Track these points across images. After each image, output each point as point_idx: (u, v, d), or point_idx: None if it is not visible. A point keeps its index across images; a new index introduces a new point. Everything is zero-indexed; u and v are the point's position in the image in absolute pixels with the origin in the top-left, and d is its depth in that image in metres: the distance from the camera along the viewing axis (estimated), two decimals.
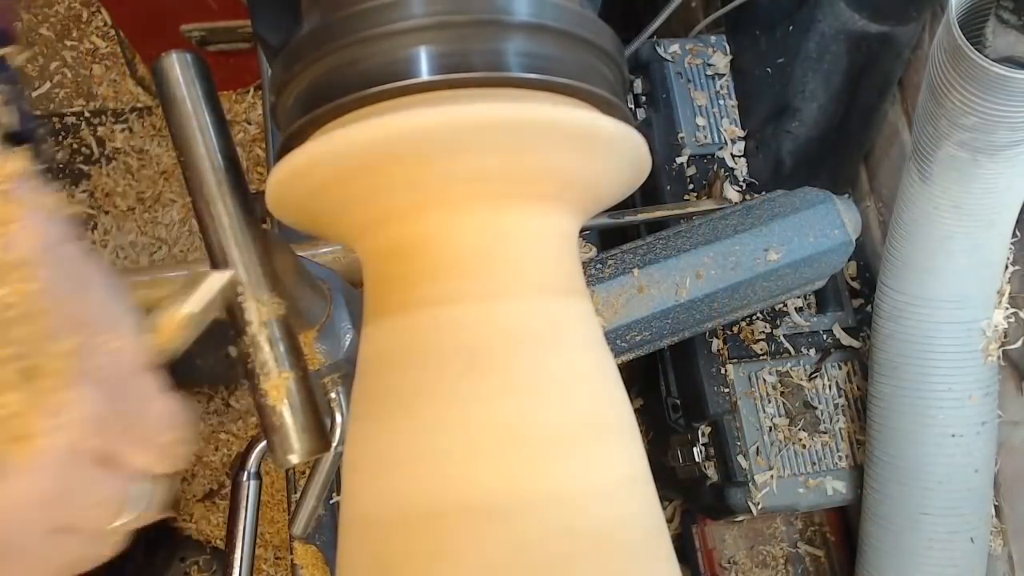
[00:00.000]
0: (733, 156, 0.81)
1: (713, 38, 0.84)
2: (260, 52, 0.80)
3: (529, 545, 0.24)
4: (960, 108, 0.54)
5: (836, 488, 0.73)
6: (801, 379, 0.75)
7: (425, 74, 0.25)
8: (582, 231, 0.74)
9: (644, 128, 0.83)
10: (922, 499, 0.65)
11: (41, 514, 0.22)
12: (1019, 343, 0.64)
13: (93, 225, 1.56)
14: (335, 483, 0.69)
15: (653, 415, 0.85)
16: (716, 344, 0.75)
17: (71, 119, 1.65)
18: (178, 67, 0.30)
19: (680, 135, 0.80)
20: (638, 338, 0.67)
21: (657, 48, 0.82)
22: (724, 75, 0.83)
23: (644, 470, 0.28)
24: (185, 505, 1.42)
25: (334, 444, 0.49)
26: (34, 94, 1.66)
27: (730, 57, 0.83)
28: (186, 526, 1.38)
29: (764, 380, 0.75)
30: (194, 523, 1.40)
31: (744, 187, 0.80)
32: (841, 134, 0.77)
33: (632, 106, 0.84)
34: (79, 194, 1.55)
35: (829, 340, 0.77)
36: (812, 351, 0.77)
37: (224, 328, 0.31)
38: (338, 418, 0.49)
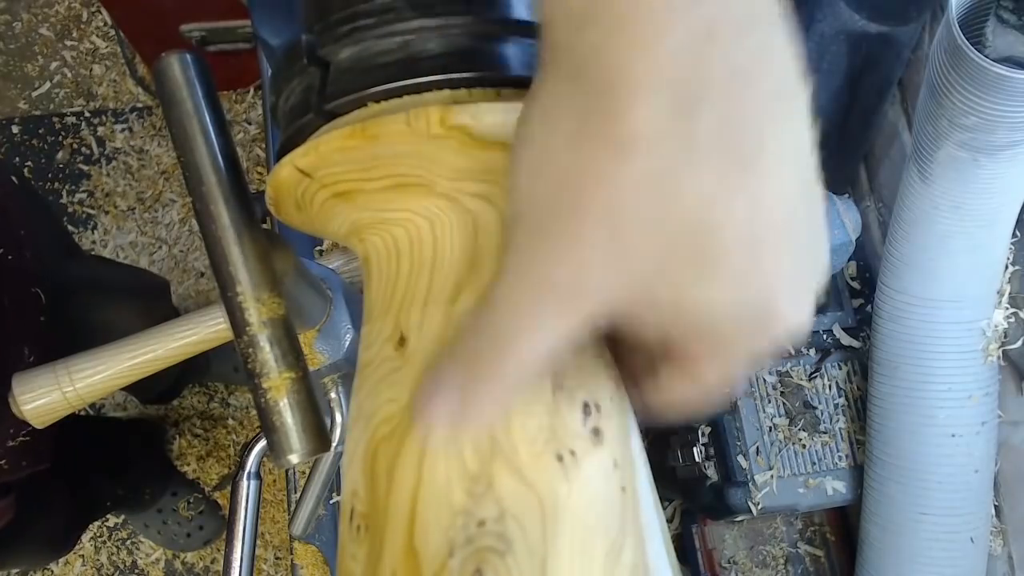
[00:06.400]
0: None
1: None
2: (260, 52, 0.80)
3: (529, 553, 0.24)
4: (960, 108, 0.54)
5: (836, 488, 0.73)
6: (801, 379, 0.75)
7: (425, 74, 0.25)
8: None
9: None
10: (922, 499, 0.65)
11: None
12: (1019, 343, 0.64)
13: (93, 225, 1.56)
14: (335, 483, 0.69)
15: None
16: None
17: (71, 119, 1.65)
18: (178, 67, 0.30)
19: None
20: None
21: None
22: None
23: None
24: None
25: (334, 444, 0.49)
26: (34, 94, 1.66)
27: None
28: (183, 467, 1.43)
29: (764, 380, 0.75)
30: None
31: None
32: (841, 134, 0.77)
33: None
34: (79, 194, 1.54)
35: (829, 340, 0.77)
36: (812, 351, 0.77)
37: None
38: (338, 418, 0.49)
